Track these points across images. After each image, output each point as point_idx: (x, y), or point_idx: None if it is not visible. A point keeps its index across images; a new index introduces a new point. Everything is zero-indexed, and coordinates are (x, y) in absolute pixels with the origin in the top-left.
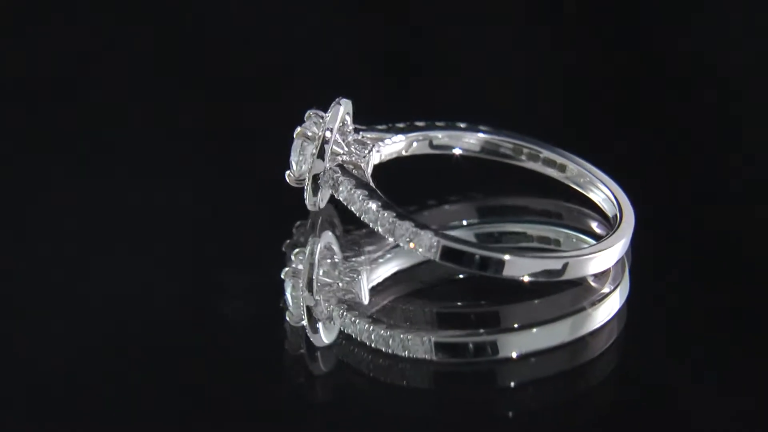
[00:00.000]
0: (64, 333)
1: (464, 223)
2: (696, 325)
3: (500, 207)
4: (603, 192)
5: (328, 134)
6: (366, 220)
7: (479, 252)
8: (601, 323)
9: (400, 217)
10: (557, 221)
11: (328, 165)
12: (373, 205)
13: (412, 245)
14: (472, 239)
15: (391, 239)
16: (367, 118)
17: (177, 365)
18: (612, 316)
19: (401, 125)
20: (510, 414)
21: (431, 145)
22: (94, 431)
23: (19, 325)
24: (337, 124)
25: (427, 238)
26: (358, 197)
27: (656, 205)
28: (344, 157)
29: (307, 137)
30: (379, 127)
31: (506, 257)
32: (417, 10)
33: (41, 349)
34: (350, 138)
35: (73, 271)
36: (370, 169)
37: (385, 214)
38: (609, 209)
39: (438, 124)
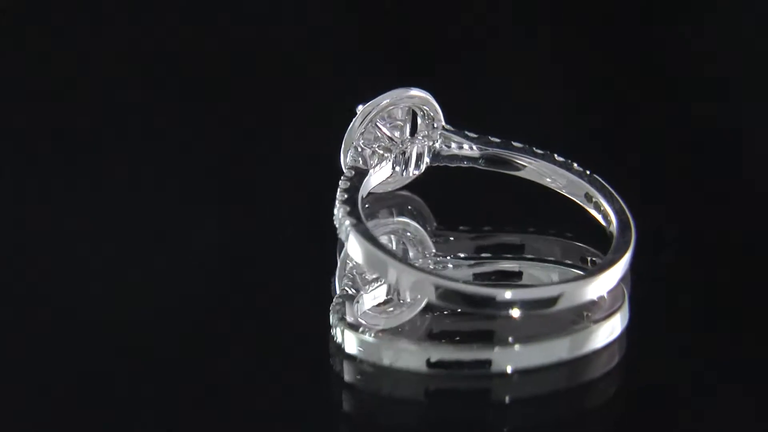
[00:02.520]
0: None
1: (461, 256)
2: (700, 347)
3: (497, 245)
4: (603, 208)
5: (369, 109)
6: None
7: (468, 289)
8: (601, 345)
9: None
10: (553, 259)
11: (362, 143)
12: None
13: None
14: (469, 277)
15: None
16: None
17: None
18: (613, 339)
19: (495, 139)
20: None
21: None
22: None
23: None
24: (383, 103)
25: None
26: (342, 179)
27: (661, 217)
28: (388, 142)
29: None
30: (471, 134)
31: (496, 291)
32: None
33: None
34: (425, 131)
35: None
36: (413, 161)
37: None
38: (608, 226)
39: (537, 151)
